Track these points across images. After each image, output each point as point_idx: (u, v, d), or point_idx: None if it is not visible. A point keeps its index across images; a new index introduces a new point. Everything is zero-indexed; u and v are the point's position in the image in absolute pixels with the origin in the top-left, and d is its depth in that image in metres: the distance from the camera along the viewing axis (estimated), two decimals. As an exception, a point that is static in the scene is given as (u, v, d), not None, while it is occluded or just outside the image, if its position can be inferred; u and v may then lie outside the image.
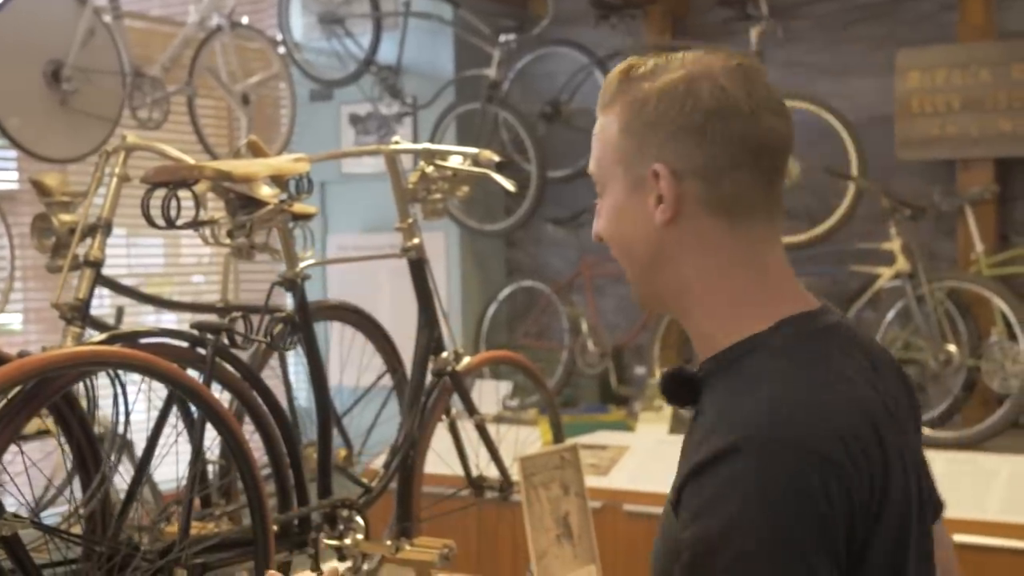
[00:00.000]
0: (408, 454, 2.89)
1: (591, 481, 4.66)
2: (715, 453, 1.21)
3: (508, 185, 3.01)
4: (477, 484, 3.10)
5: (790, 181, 4.85)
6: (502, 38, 5.25)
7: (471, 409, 3.05)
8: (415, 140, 5.72)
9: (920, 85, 4.84)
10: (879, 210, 4.78)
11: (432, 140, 5.55)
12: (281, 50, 5.58)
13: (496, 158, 2.96)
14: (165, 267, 6.19)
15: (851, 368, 1.30)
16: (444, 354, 3.01)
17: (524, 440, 5.13)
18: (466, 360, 3.07)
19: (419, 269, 2.98)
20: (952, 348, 4.52)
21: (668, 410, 4.99)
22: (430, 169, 2.90)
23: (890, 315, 4.71)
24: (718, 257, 1.33)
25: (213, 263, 6.16)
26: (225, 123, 5.94)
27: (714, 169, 1.31)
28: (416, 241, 2.95)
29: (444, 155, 2.94)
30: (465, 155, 2.98)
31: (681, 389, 1.37)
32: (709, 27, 5.33)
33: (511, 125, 5.37)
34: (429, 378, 3.04)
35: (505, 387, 5.62)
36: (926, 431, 4.52)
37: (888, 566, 1.24)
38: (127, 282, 5.99)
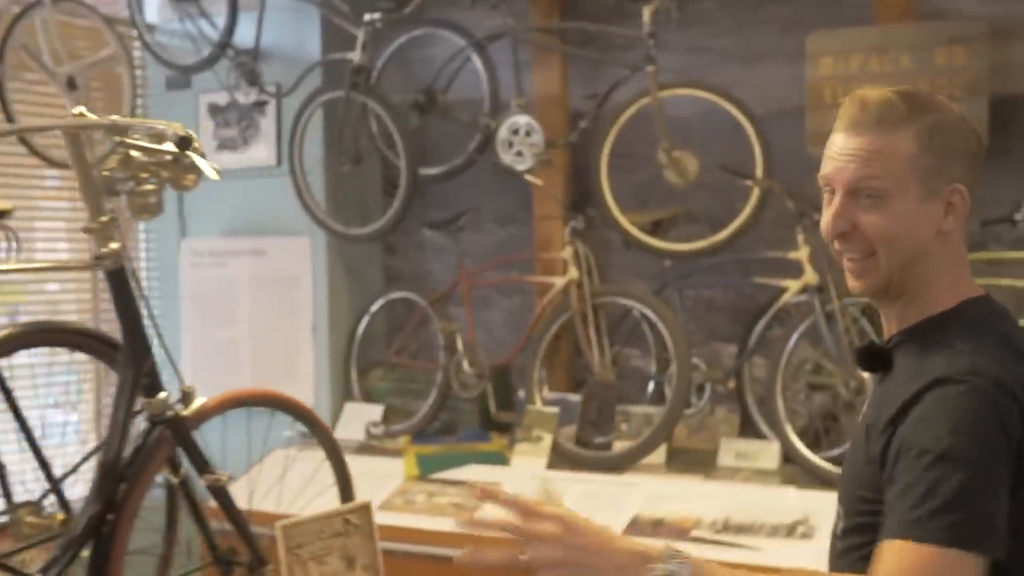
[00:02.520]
0: (99, 527, 2.21)
1: (448, 525, 4.05)
2: (920, 388, 1.58)
3: (209, 171, 2.37)
4: (225, 560, 2.45)
5: (686, 181, 4.26)
6: (366, 17, 4.63)
7: (202, 467, 2.38)
8: (279, 132, 5.09)
9: (833, 72, 4.26)
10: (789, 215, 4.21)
11: (294, 132, 4.93)
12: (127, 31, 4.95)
13: (181, 133, 2.30)
14: (21, 272, 5.51)
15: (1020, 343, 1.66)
16: (162, 395, 2.34)
17: (384, 474, 4.52)
18: (198, 402, 2.39)
19: (120, 282, 2.33)
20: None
21: (547, 441, 4.38)
22: (136, 152, 2.24)
23: (795, 334, 4.13)
24: (956, 256, 1.71)
25: (71, 268, 5.51)
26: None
27: (974, 188, 1.70)
28: (114, 246, 2.29)
29: (139, 132, 2.29)
30: (153, 131, 2.33)
31: (875, 359, 1.74)
32: (599, 7, 4.73)
33: (381, 116, 4.74)
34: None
35: (375, 411, 4.99)
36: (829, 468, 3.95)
37: None
38: None
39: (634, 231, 4.40)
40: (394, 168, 4.78)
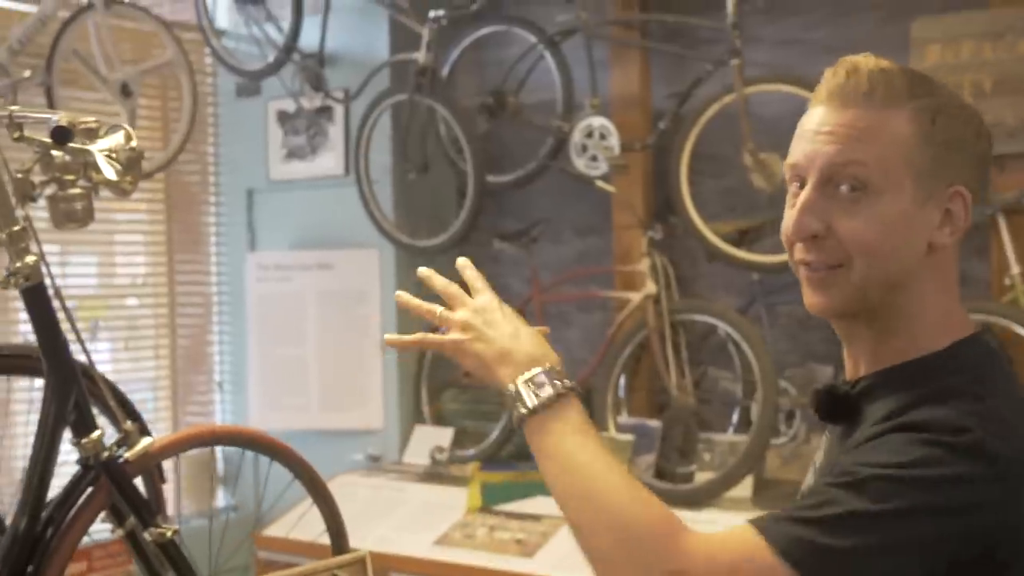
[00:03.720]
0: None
1: (510, 563, 3.72)
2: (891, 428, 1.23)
3: (108, 170, 2.05)
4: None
5: (774, 186, 3.86)
6: (431, 14, 4.33)
7: (146, 519, 2.03)
8: (348, 140, 4.83)
9: (942, 61, 3.81)
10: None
11: (359, 138, 4.66)
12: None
13: (62, 122, 1.99)
14: (99, 287, 5.41)
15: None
16: (95, 434, 2.02)
17: (446, 504, 4.20)
18: (144, 443, 2.05)
19: (37, 301, 2.00)
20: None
21: (621, 471, 4.00)
22: (58, 153, 1.95)
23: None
24: (947, 280, 1.34)
25: (148, 284, 5.36)
26: (160, 123, 5.13)
27: (979, 198, 1.33)
28: (30, 260, 1.98)
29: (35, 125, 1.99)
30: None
31: (838, 406, 1.36)
32: (681, -2, 4.36)
33: (447, 120, 4.44)
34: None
35: (445, 435, 4.68)
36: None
37: None
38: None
39: (718, 241, 4.00)
40: (465, 176, 4.47)
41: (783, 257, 3.91)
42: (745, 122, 3.86)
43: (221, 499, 5.37)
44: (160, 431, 5.38)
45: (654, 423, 4.16)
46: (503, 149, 4.58)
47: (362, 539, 4.02)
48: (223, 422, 5.39)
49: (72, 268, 5.57)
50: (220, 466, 5.39)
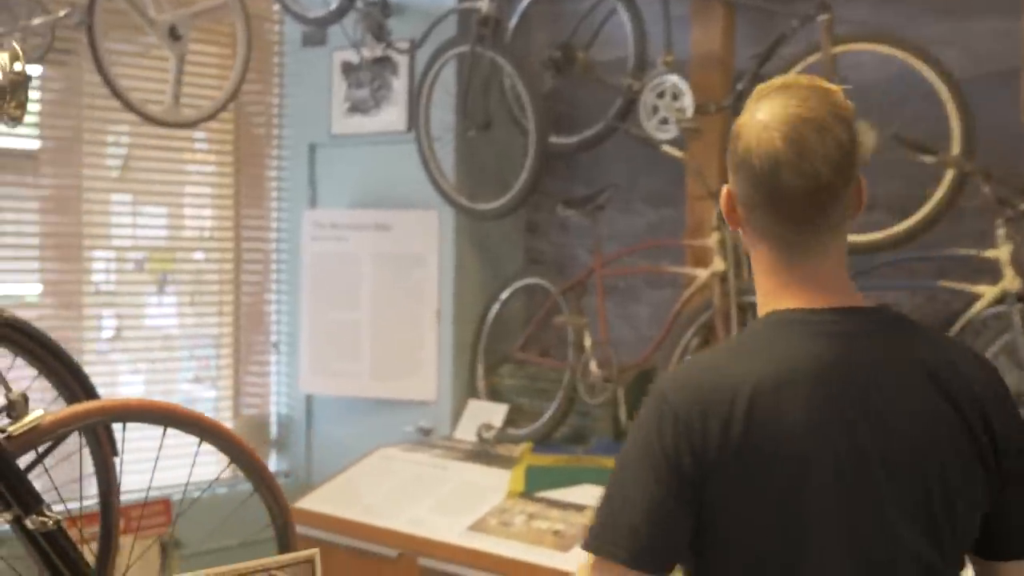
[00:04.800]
0: None
1: (542, 557, 3.41)
2: None
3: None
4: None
5: (861, 158, 3.44)
6: (497, -42, 4.02)
7: (27, 504, 1.74)
8: (410, 92, 4.54)
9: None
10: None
11: (419, 92, 4.38)
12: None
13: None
14: (169, 240, 5.26)
15: (778, 352, 1.56)
16: None
17: (488, 487, 3.92)
18: (32, 416, 1.76)
19: None
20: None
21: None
22: None
23: (989, 352, 3.27)
24: (758, 265, 1.65)
25: (215, 238, 5.18)
26: (215, 71, 4.91)
27: (747, 202, 1.62)
28: None
29: None
30: None
31: None
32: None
33: (511, 74, 4.13)
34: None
35: (499, 411, 4.40)
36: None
37: (741, 514, 1.52)
38: (132, 255, 5.26)
39: (795, 217, 3.61)
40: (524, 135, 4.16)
41: (867, 236, 3.54)
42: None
43: (273, 463, 5.19)
44: (222, 391, 5.23)
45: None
46: (570, 108, 4.24)
47: (393, 519, 3.78)
48: (277, 384, 5.20)
49: (143, 219, 5.44)
50: (273, 430, 5.22)
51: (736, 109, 3.80)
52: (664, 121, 3.86)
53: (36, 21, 3.76)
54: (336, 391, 4.78)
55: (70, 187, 4.74)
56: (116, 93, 4.05)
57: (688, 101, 3.80)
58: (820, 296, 1.58)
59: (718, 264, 3.73)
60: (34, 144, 4.78)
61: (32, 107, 4.58)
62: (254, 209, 5.20)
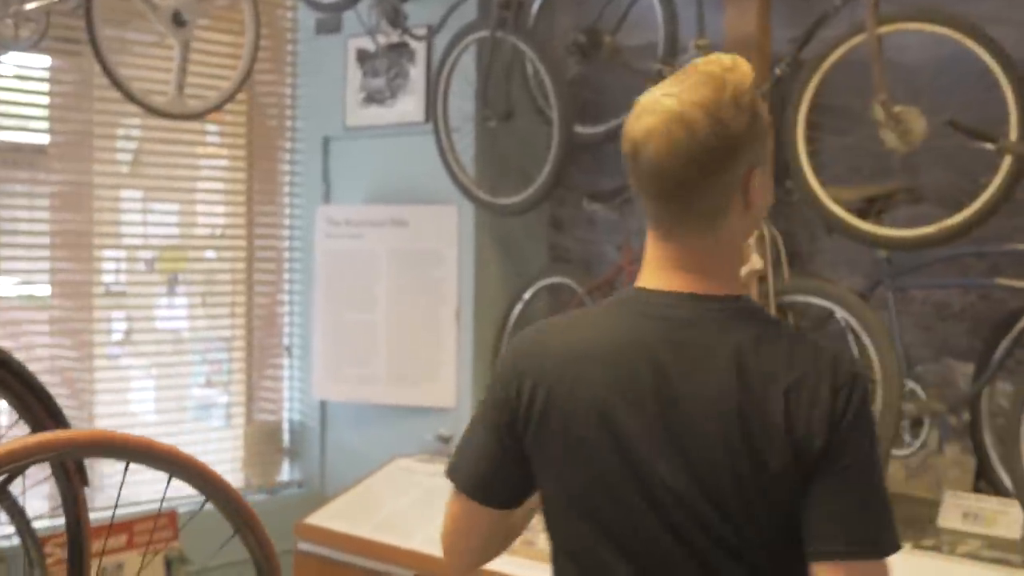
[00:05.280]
0: None
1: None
2: None
3: None
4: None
5: (910, 146, 3.19)
6: (517, -63, 3.78)
7: None
8: (428, 80, 4.30)
9: None
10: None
11: (437, 80, 4.14)
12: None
13: None
14: (179, 238, 5.06)
15: (599, 328, 1.65)
16: None
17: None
18: None
19: None
20: None
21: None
22: None
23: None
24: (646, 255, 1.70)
25: (227, 236, 4.97)
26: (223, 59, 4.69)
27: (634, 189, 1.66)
28: None
29: None
30: None
31: None
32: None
33: (533, 60, 3.88)
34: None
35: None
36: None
37: (549, 474, 1.67)
38: (143, 254, 5.06)
39: (839, 211, 3.35)
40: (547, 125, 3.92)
41: (916, 231, 3.28)
42: (878, 68, 3.20)
43: (286, 473, 4.98)
44: (235, 396, 5.01)
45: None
46: (596, 96, 3.99)
47: (408, 537, 3.55)
48: (290, 390, 4.98)
49: (153, 216, 5.25)
50: (286, 437, 5.00)
51: (773, 96, 3.58)
52: (696, 108, 3.60)
53: (30, 6, 3.54)
54: (351, 397, 4.56)
55: (80, 183, 4.58)
56: (116, 83, 3.83)
57: (722, 87, 3.54)
58: (678, 279, 1.61)
59: (755, 261, 3.48)
60: (44, 139, 4.64)
61: (41, 100, 4.44)
62: (267, 206, 4.99)
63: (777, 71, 3.54)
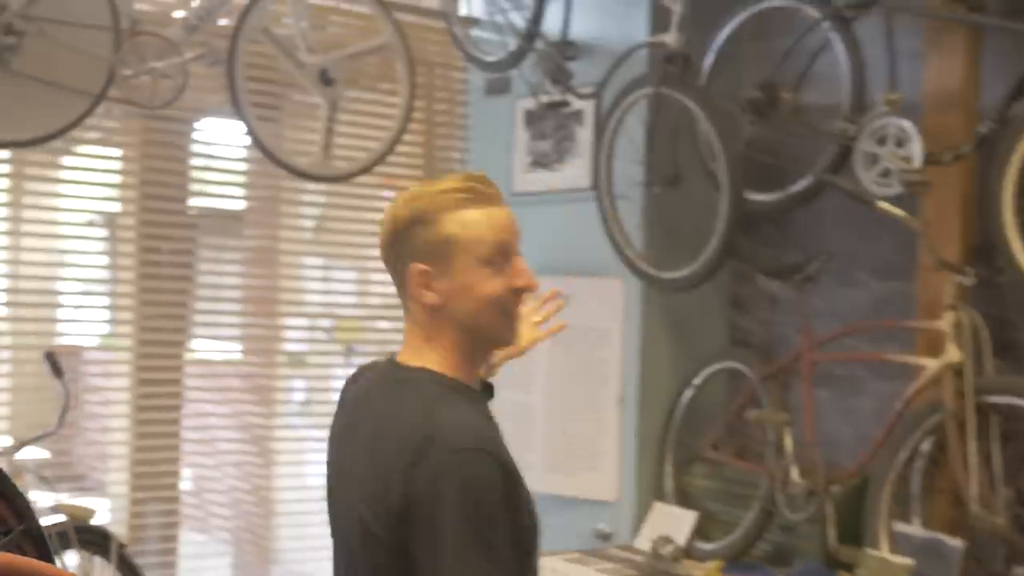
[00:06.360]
0: None
1: None
2: None
3: None
4: None
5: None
6: (685, -14, 3.40)
7: None
8: (599, 142, 3.94)
9: None
10: None
11: (599, 141, 3.80)
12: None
13: None
14: (357, 307, 4.95)
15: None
16: None
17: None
18: None
19: None
20: None
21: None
22: None
23: None
24: None
25: (399, 305, 4.75)
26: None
27: None
28: None
29: None
30: None
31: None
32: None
33: (701, 119, 3.48)
34: None
35: (687, 519, 3.71)
36: None
37: None
38: (322, 322, 4.95)
39: (1056, 295, 2.80)
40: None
41: None
42: (1105, 124, 2.65)
43: None
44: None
45: (954, 543, 2.99)
46: (774, 159, 3.54)
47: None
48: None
49: (333, 284, 5.15)
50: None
51: (981, 157, 3.06)
52: (885, 173, 3.11)
53: (164, 63, 3.41)
54: None
55: (267, 249, 4.56)
56: (257, 141, 3.67)
57: (916, 148, 3.04)
58: (401, 349, 1.83)
59: (952, 353, 2.94)
60: (240, 204, 4.66)
61: (239, 167, 4.39)
62: (440, 274, 4.74)
63: (982, 130, 3.01)
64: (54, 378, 3.44)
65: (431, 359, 1.75)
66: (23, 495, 1.64)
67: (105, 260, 4.42)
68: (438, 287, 1.73)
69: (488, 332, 1.77)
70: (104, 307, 4.32)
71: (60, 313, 4.32)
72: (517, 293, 1.77)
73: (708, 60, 3.66)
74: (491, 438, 1.70)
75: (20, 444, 3.35)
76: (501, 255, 1.74)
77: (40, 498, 4.10)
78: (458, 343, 1.75)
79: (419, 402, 1.70)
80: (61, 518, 3.40)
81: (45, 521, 3.37)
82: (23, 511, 1.63)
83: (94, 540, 3.46)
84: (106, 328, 4.48)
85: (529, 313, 2.35)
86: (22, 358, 4.02)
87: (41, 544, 1.67)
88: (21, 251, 4.05)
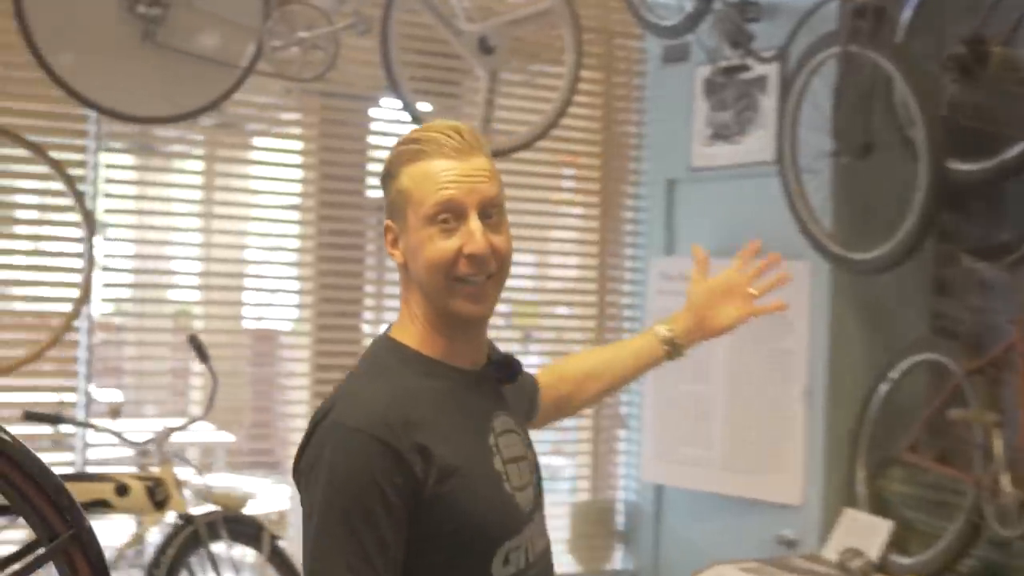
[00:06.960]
0: None
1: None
2: None
3: None
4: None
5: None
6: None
7: None
8: (782, 110, 3.58)
9: None
10: None
11: (783, 110, 3.46)
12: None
13: None
14: (536, 291, 4.79)
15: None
16: None
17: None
18: None
19: None
20: None
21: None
22: None
23: None
24: None
25: (576, 291, 4.55)
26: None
27: None
28: None
29: None
30: None
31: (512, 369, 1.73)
32: None
33: (897, 80, 3.09)
34: None
35: (881, 528, 3.33)
36: None
37: None
38: (500, 307, 4.79)
39: None
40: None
41: None
42: None
43: (619, 560, 4.39)
44: (581, 469, 4.51)
45: None
46: (983, 124, 3.11)
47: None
48: (626, 467, 4.40)
49: (511, 268, 4.95)
50: (620, 519, 4.42)
51: None
52: (1115, 137, 2.68)
53: (314, 32, 3.24)
54: (680, 482, 3.93)
55: None
56: (412, 115, 3.48)
57: None
58: None
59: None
60: None
61: None
62: (614, 257, 4.50)
63: None
64: (199, 362, 3.33)
65: (402, 325, 1.65)
66: (71, 497, 1.47)
67: (293, 244, 4.32)
68: (402, 246, 1.63)
69: (434, 299, 1.60)
70: (292, 292, 4.22)
71: (250, 298, 4.27)
72: (468, 259, 1.57)
73: (905, 13, 3.26)
74: (388, 421, 1.51)
75: (168, 432, 3.25)
76: (449, 213, 1.56)
77: (221, 482, 4.05)
78: (425, 310, 1.62)
79: (352, 373, 1.63)
80: (211, 508, 3.28)
81: (196, 511, 3.27)
82: (71, 515, 1.46)
83: (246, 531, 3.34)
84: (294, 313, 4.40)
85: (743, 283, 2.10)
86: (216, 342, 3.94)
87: (91, 550, 1.49)
88: (213, 233, 3.98)
